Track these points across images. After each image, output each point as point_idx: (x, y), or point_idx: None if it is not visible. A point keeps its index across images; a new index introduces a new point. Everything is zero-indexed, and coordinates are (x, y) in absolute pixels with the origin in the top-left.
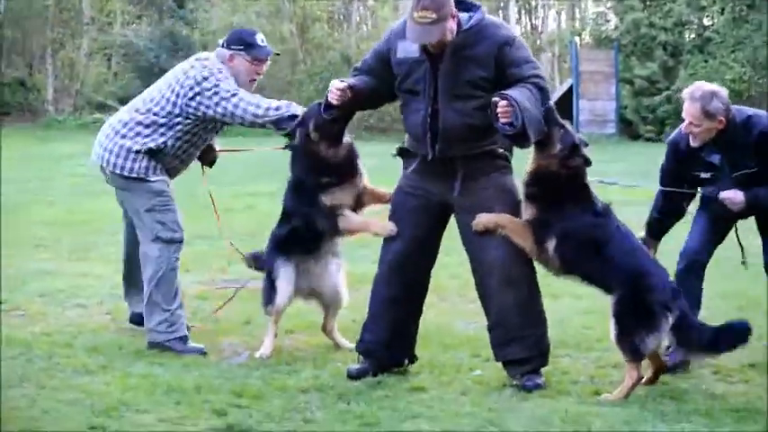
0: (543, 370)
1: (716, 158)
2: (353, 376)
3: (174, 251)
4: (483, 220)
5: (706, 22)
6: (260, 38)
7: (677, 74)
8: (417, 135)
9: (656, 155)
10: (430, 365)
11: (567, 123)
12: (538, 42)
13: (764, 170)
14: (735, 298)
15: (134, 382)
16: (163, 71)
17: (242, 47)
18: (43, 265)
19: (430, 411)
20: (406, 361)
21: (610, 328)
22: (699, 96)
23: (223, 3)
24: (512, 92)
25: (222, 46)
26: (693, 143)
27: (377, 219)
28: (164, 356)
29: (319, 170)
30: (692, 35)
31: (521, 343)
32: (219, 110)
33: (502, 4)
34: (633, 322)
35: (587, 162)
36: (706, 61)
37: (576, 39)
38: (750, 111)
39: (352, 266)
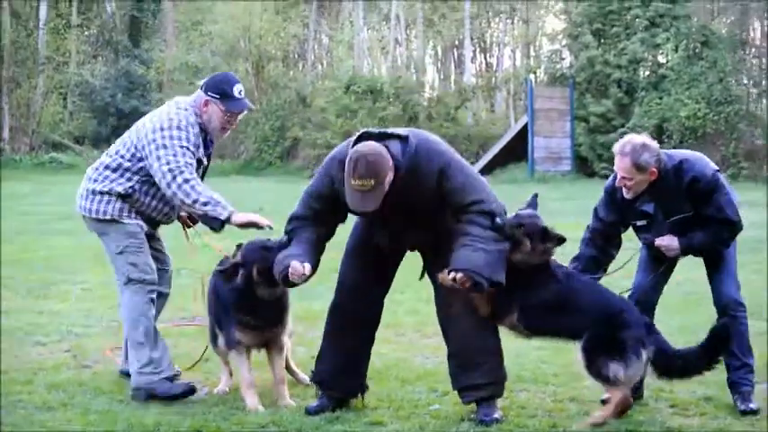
0: (500, 404)
1: (650, 207)
2: (312, 413)
3: (146, 293)
4: (446, 279)
5: (660, 59)
6: (238, 89)
7: (632, 111)
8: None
9: (604, 186)
10: (388, 400)
11: (521, 213)
12: (493, 80)
13: (699, 214)
14: (691, 332)
15: (94, 419)
16: (119, 110)
17: (218, 95)
18: (2, 303)
19: None
20: (359, 390)
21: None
22: (629, 151)
23: (178, 42)
24: (461, 259)
25: (201, 88)
26: (627, 195)
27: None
28: (123, 393)
29: (248, 309)
30: (647, 72)
31: (479, 369)
32: (154, 168)
33: (457, 43)
34: (600, 352)
35: (561, 241)
36: (661, 98)
37: (531, 76)
38: (682, 155)
39: (310, 303)
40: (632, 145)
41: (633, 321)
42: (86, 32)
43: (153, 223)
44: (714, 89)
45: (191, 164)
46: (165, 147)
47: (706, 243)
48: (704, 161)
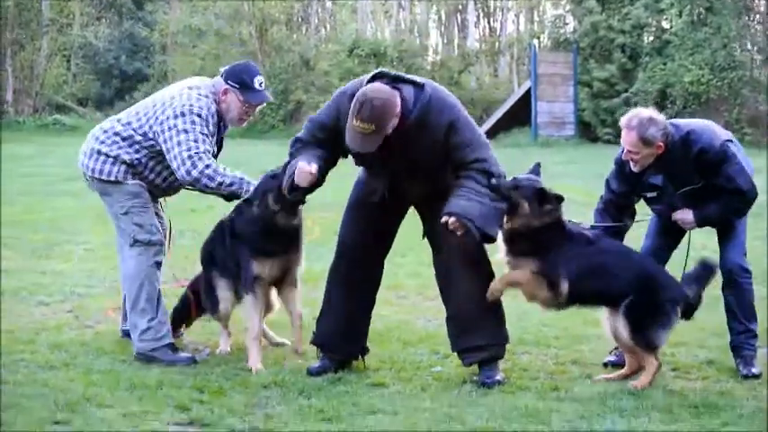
0: (502, 366)
1: (658, 180)
2: (314, 374)
3: (153, 254)
4: (499, 284)
5: (664, 24)
6: (259, 81)
7: (636, 76)
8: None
9: (614, 157)
10: (390, 362)
11: (520, 176)
12: (496, 45)
13: (708, 185)
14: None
15: (97, 378)
16: (122, 72)
17: (238, 85)
18: (4, 263)
19: (390, 407)
20: (359, 353)
21: (614, 328)
22: (635, 125)
23: (182, 4)
24: (453, 204)
25: (222, 76)
26: (634, 168)
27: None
28: (126, 353)
29: (266, 236)
30: (651, 38)
31: (479, 332)
32: (173, 152)
33: (460, 7)
34: (646, 319)
35: (560, 199)
36: (665, 64)
37: (535, 41)
38: (689, 125)
39: (311, 264)
40: (639, 119)
41: (668, 283)
42: None
43: (151, 196)
44: (718, 55)
45: (209, 150)
46: (185, 131)
47: (720, 214)
48: (711, 131)
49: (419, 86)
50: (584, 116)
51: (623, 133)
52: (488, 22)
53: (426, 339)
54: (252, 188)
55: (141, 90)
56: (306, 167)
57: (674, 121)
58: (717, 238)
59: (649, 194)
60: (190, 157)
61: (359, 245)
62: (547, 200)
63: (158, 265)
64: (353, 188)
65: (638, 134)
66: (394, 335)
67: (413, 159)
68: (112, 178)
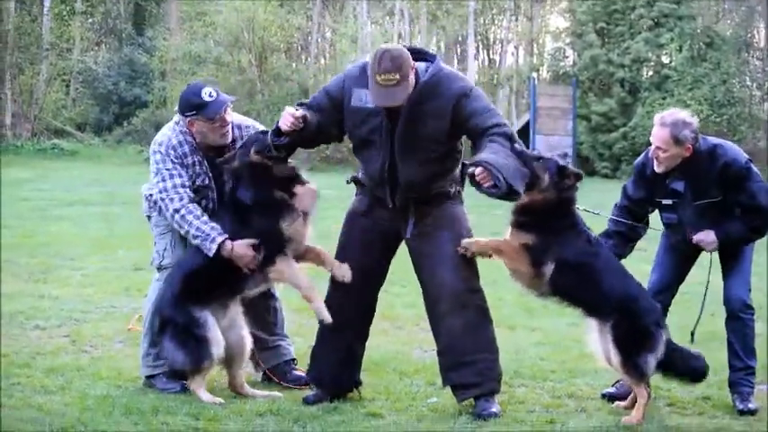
0: (499, 399)
1: (680, 185)
2: (309, 402)
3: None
4: (475, 246)
5: (664, 59)
6: (207, 92)
7: (635, 111)
8: (375, 182)
9: (612, 191)
10: (386, 392)
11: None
12: (495, 77)
13: (726, 200)
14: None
15: (92, 403)
16: (121, 98)
17: (194, 110)
18: (2, 287)
19: None
20: (353, 386)
21: (607, 354)
22: (670, 122)
23: (182, 31)
24: (482, 155)
25: (178, 112)
26: (658, 169)
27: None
28: (121, 378)
29: (269, 183)
30: (650, 72)
31: (470, 367)
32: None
33: (460, 39)
34: (635, 345)
35: (579, 177)
36: (664, 99)
37: (534, 74)
38: (716, 140)
39: None
40: (674, 117)
41: (650, 307)
42: (90, 19)
43: None
44: (717, 91)
45: (180, 185)
46: (155, 173)
47: (742, 233)
48: (738, 148)
49: (431, 58)
50: (583, 150)
51: (655, 129)
52: (488, 54)
53: (422, 370)
54: (214, 247)
55: (140, 116)
56: (291, 110)
57: (702, 134)
58: (721, 270)
59: (665, 201)
60: (162, 199)
61: (352, 279)
62: (566, 175)
63: None
64: (344, 223)
65: (671, 132)
66: (390, 365)
67: (416, 131)
68: (145, 214)
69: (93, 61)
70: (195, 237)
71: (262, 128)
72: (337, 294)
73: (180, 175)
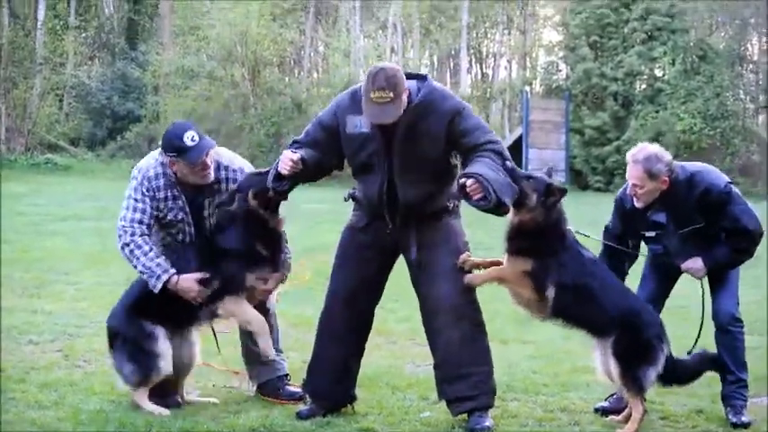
0: (491, 413)
1: (661, 217)
2: (303, 417)
3: None
4: (478, 279)
5: (657, 73)
6: (190, 137)
7: (628, 124)
8: (374, 205)
9: (605, 205)
10: (379, 407)
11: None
12: (488, 91)
13: (710, 226)
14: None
15: (86, 418)
16: (114, 113)
17: (176, 153)
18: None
19: None
20: (348, 401)
21: (607, 368)
22: (642, 158)
23: (175, 46)
24: (474, 167)
25: (161, 147)
26: (638, 204)
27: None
28: (115, 393)
29: (254, 236)
30: (644, 86)
31: (466, 381)
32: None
33: (453, 53)
34: (635, 358)
35: (563, 192)
36: (657, 112)
37: (527, 88)
38: (694, 167)
39: (303, 308)
40: (645, 153)
41: (652, 320)
42: (84, 34)
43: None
44: (710, 104)
45: (138, 221)
46: (125, 198)
47: (729, 257)
48: (717, 173)
49: (422, 78)
50: (576, 163)
51: (629, 167)
52: (481, 68)
53: (415, 385)
54: (159, 284)
55: (133, 131)
56: (289, 154)
57: (681, 162)
58: (709, 285)
59: (649, 233)
60: (117, 229)
61: (349, 294)
62: (552, 193)
63: None
64: (342, 238)
65: (645, 167)
66: (383, 380)
67: (411, 152)
68: None
69: (86, 76)
70: (142, 273)
71: (251, 168)
72: (334, 309)
73: (143, 211)
